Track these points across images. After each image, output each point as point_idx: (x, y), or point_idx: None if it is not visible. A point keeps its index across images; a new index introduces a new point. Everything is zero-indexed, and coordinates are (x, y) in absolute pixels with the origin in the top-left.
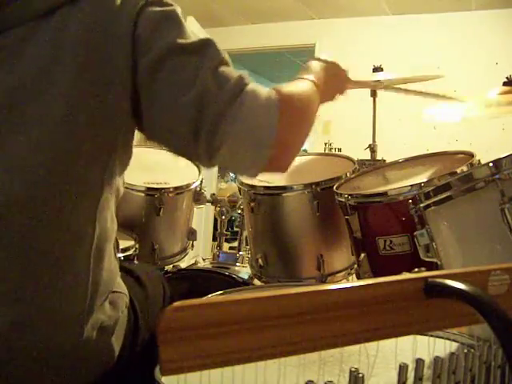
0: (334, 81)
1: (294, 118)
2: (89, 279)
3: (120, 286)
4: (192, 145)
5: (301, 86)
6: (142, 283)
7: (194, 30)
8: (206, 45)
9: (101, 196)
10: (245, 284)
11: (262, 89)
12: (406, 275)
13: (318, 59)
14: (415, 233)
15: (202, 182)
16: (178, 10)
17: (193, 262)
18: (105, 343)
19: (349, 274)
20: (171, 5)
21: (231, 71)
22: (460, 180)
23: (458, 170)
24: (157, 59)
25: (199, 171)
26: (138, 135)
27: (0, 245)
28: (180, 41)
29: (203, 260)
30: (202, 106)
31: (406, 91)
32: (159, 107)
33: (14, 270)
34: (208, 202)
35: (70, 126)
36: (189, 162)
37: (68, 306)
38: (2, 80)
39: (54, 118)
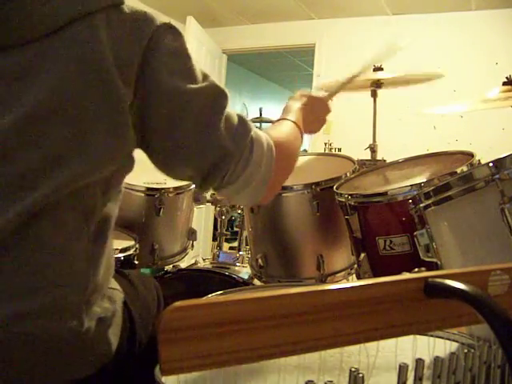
0: (313, 116)
1: (284, 162)
2: (89, 273)
3: (114, 283)
4: (199, 179)
5: (285, 129)
6: (133, 285)
7: (194, 30)
8: (213, 86)
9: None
10: (245, 284)
11: (260, 135)
12: (406, 275)
13: (300, 96)
14: (415, 233)
15: None
16: (185, 41)
17: (193, 261)
18: (102, 335)
19: (349, 274)
20: (181, 35)
21: (233, 114)
22: (460, 180)
23: (458, 170)
24: (166, 99)
25: None
26: None
27: (4, 243)
28: (190, 85)
29: (203, 260)
30: (220, 156)
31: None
32: (174, 143)
33: (18, 266)
34: (208, 202)
35: (78, 146)
36: None
37: (69, 297)
38: (15, 104)
39: (62, 143)
